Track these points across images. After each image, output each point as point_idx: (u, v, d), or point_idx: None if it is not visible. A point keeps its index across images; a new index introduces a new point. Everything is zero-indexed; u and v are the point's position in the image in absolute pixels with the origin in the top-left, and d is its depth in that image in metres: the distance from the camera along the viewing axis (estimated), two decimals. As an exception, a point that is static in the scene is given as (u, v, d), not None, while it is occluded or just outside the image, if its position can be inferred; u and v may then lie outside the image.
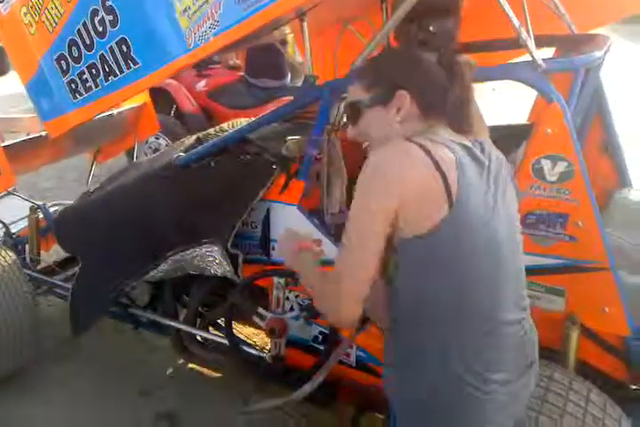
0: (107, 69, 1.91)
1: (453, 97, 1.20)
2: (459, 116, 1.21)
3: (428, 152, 1.09)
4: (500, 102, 6.73)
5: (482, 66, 1.81)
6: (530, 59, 1.58)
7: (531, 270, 1.69)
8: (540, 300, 1.73)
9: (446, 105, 1.21)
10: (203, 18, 1.59)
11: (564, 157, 1.57)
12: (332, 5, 1.91)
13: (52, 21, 1.99)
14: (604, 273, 1.62)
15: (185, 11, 1.62)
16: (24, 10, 2.03)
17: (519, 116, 2.57)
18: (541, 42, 1.61)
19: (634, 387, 1.74)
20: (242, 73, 4.94)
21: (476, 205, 1.11)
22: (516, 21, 1.52)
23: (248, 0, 1.48)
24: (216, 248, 2.07)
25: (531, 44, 1.54)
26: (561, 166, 1.59)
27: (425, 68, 1.22)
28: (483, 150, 1.21)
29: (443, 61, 1.23)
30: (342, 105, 2.03)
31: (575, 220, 1.62)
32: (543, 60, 1.56)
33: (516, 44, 1.59)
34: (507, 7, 1.51)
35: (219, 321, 2.48)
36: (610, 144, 2.16)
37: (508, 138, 2.05)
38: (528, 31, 1.54)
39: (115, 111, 3.23)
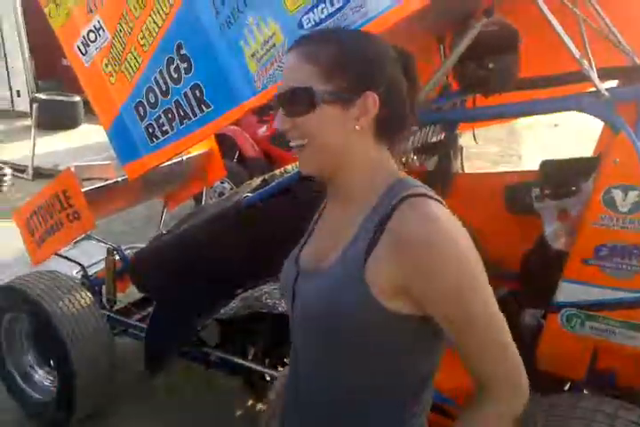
0: (181, 113, 2.04)
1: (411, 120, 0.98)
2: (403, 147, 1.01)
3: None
4: (562, 137, 6.65)
5: (546, 98, 1.84)
6: (594, 90, 1.58)
7: (605, 305, 1.64)
8: (617, 335, 1.65)
9: (404, 129, 0.99)
10: (270, 61, 1.69)
11: (635, 186, 1.53)
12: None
13: (130, 71, 2.15)
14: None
15: (253, 55, 1.73)
16: (105, 61, 2.21)
17: (581, 151, 2.53)
18: (603, 74, 1.60)
19: None
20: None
21: None
22: (576, 53, 1.53)
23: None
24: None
25: (593, 74, 1.54)
26: (632, 196, 1.55)
27: (396, 70, 0.94)
28: None
29: (406, 65, 0.97)
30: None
31: (652, 252, 1.56)
32: (607, 89, 1.55)
33: (579, 76, 1.59)
34: (567, 39, 1.53)
35: (287, 360, 2.47)
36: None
37: (577, 171, 2.03)
38: (590, 62, 1.54)
39: (184, 157, 3.38)
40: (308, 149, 0.95)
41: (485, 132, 2.52)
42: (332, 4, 1.49)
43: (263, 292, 2.11)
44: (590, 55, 1.56)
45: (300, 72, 0.92)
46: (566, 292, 1.71)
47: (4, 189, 6.13)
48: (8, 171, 6.27)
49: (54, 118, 8.44)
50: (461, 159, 2.60)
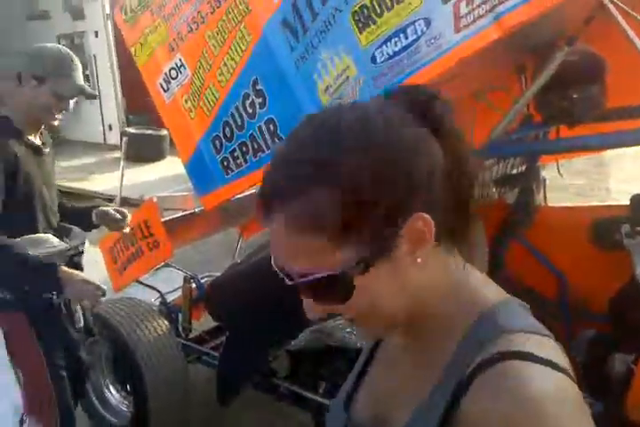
0: (255, 147, 2.07)
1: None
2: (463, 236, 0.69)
3: (568, 373, 0.61)
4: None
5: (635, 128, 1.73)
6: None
7: None
8: None
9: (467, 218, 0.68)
10: (344, 95, 1.69)
11: None
12: (468, 77, 1.94)
13: (208, 106, 2.23)
14: None
15: (326, 89, 1.74)
16: (185, 97, 2.30)
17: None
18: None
19: None
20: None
21: None
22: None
23: (386, 75, 1.56)
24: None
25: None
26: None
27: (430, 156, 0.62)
28: None
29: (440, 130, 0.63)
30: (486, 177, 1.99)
31: None
32: None
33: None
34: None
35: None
36: None
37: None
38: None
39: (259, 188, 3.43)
40: (360, 321, 0.68)
41: (570, 164, 2.40)
42: (407, 37, 1.48)
43: (336, 324, 2.08)
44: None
45: (304, 252, 0.62)
46: (662, 337, 1.57)
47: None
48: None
49: (142, 151, 8.90)
50: (544, 192, 2.48)
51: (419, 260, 0.62)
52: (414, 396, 0.66)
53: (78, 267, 1.95)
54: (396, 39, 1.50)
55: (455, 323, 0.66)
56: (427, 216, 0.60)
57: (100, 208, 2.10)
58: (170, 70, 2.39)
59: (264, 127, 2.00)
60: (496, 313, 0.65)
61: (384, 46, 1.54)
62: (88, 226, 2.12)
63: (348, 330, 2.10)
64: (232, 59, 2.03)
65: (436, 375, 0.64)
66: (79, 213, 2.13)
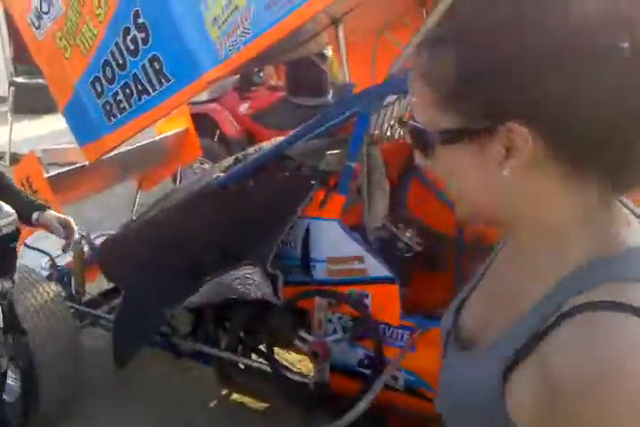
0: (140, 88, 1.89)
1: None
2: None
3: None
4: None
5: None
6: None
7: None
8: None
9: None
10: (232, 26, 1.55)
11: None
12: (369, 11, 1.85)
13: (85, 44, 2.00)
14: None
15: (215, 20, 1.58)
16: (59, 34, 2.05)
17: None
18: None
19: None
20: (284, 93, 4.95)
21: None
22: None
23: (278, 3, 1.43)
24: (255, 270, 1.99)
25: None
26: None
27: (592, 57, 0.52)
28: None
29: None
30: (381, 113, 1.93)
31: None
32: None
33: None
34: None
35: (261, 347, 2.39)
36: None
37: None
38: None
39: (157, 137, 3.24)
40: (452, 193, 0.66)
41: None
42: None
43: (234, 277, 2.00)
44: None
45: (418, 101, 0.62)
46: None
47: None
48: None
49: (33, 102, 8.18)
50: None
51: (505, 172, 0.57)
52: (507, 315, 0.63)
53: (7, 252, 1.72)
54: (286, -38, 1.37)
55: (566, 257, 0.60)
56: (523, 130, 0.54)
57: (43, 215, 1.87)
58: (40, 3, 2.11)
59: (148, 66, 1.82)
60: (617, 259, 0.58)
61: (273, -30, 1.41)
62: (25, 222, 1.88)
63: (247, 282, 2.04)
64: (109, -12, 1.81)
65: (530, 303, 0.60)
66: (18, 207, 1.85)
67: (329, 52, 3.79)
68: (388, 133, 2.19)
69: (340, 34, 1.74)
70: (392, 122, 2.12)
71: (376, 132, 2.02)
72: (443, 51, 0.56)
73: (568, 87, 0.53)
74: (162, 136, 3.34)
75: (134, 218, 2.78)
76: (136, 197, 3.52)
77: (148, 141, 3.16)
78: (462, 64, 0.55)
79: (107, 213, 4.60)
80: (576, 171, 0.58)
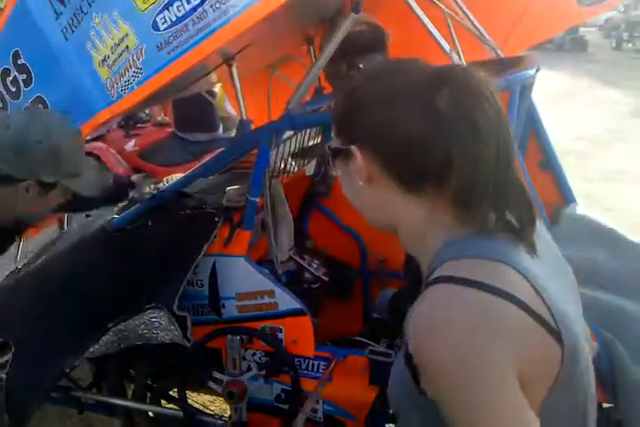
0: (24, 131, 1.78)
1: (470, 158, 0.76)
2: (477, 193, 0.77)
3: (506, 295, 0.70)
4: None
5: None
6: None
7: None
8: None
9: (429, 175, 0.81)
10: (124, 66, 1.52)
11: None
12: (260, 49, 1.89)
13: (-41, 85, 1.86)
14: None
15: (104, 60, 1.54)
16: None
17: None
18: (472, 68, 1.61)
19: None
20: (172, 129, 4.86)
21: (570, 320, 0.76)
22: (447, 47, 1.52)
23: (171, 44, 1.42)
24: (161, 313, 1.92)
25: (464, 68, 1.54)
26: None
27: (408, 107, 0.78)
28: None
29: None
30: (280, 148, 1.97)
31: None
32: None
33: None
34: (437, 34, 1.52)
35: (171, 393, 2.29)
36: (549, 161, 2.19)
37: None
38: (460, 56, 1.54)
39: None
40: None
41: None
42: (189, 1, 1.36)
43: (139, 323, 1.92)
44: (460, 50, 1.56)
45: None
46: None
47: None
48: None
49: None
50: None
51: (360, 183, 0.83)
52: None
53: None
54: (179, 3, 1.37)
55: (427, 248, 0.82)
56: (356, 151, 0.82)
57: None
58: None
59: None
60: (457, 243, 0.79)
61: (166, 11, 1.40)
62: None
63: (154, 326, 1.96)
64: (-17, 28, 1.71)
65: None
66: None
67: (217, 87, 3.80)
68: (288, 167, 2.23)
69: (234, 72, 1.76)
70: (290, 156, 2.16)
71: (276, 166, 2.05)
72: (340, 95, 0.87)
73: (385, 124, 0.79)
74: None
75: (19, 267, 2.59)
76: (19, 246, 3.27)
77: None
78: (341, 106, 0.86)
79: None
80: (410, 187, 0.81)
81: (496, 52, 1.94)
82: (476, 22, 1.90)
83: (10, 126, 1.38)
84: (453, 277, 0.72)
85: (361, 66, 1.87)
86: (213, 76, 2.33)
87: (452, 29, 1.61)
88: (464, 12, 1.88)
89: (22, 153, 1.38)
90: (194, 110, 4.40)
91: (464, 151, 0.75)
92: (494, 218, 0.78)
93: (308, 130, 2.35)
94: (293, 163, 2.36)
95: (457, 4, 1.87)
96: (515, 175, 0.78)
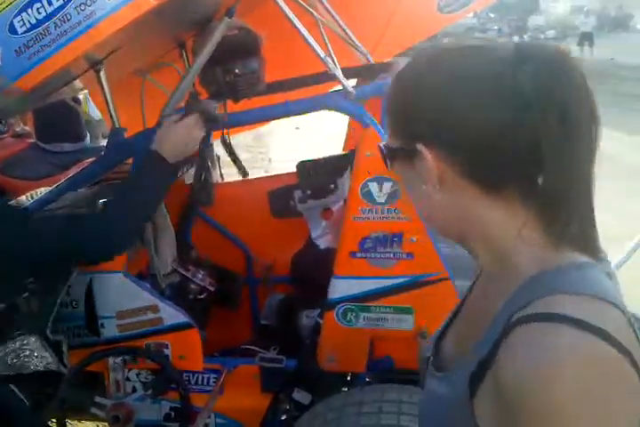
0: None
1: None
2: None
3: (622, 349, 0.58)
4: (304, 139, 7.07)
5: (296, 99, 1.86)
6: (340, 88, 1.62)
7: (375, 294, 1.71)
8: (390, 321, 1.73)
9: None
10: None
11: (389, 177, 1.61)
12: (130, 54, 1.81)
13: None
14: (444, 283, 1.67)
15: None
16: None
17: (326, 150, 2.63)
18: (345, 74, 1.66)
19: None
20: (32, 140, 4.49)
21: None
22: (321, 53, 1.55)
23: (31, 48, 1.32)
24: (32, 339, 1.77)
25: (339, 73, 1.59)
26: (387, 187, 1.63)
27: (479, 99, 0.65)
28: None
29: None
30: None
31: (409, 237, 1.66)
32: (353, 87, 1.61)
33: (325, 76, 1.61)
34: (311, 40, 1.54)
35: (50, 423, 2.11)
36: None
37: (332, 169, 2.09)
38: (334, 62, 1.58)
39: None
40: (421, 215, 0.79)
41: (233, 139, 2.55)
42: (51, 3, 1.27)
43: (8, 351, 1.75)
44: (333, 56, 1.60)
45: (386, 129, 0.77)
46: (338, 288, 1.74)
47: None
48: None
49: None
50: (219, 168, 2.52)
51: (428, 187, 0.69)
52: (477, 334, 0.68)
53: None
54: (39, 5, 1.28)
55: (514, 271, 0.67)
56: (424, 150, 0.67)
57: None
58: None
59: None
60: (557, 273, 0.64)
61: (24, 13, 1.29)
62: None
63: (25, 353, 1.80)
64: None
65: (493, 318, 0.66)
66: None
67: (83, 93, 3.59)
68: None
69: (103, 78, 1.68)
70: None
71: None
72: (391, 90, 0.73)
73: (456, 116, 0.66)
74: None
75: None
76: None
77: None
78: (395, 101, 0.72)
79: None
80: (489, 188, 0.67)
81: (367, 58, 2.02)
82: (346, 29, 1.96)
83: None
84: (572, 318, 0.59)
85: (237, 71, 1.85)
86: (79, 82, 2.20)
87: (325, 35, 1.65)
88: (335, 18, 1.93)
89: None
90: (57, 119, 4.10)
91: (554, 145, 0.63)
92: (577, 234, 0.67)
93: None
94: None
95: (328, 11, 1.92)
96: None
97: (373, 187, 1.64)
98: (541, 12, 17.31)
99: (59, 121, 4.13)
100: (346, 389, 1.88)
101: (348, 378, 1.93)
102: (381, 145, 0.75)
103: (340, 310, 1.74)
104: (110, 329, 1.82)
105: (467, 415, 0.65)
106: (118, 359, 1.82)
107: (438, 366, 0.78)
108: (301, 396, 1.81)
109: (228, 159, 2.33)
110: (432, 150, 0.67)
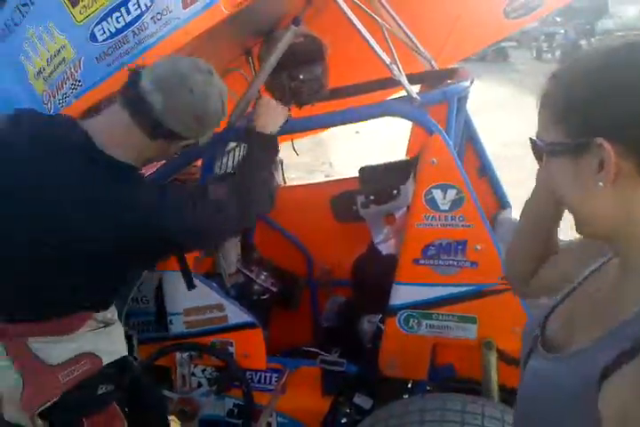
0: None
1: None
2: None
3: None
4: (364, 144, 7.06)
5: (361, 105, 1.87)
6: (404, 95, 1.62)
7: (438, 302, 1.70)
8: (453, 330, 1.71)
9: None
10: (61, 79, 1.48)
11: (453, 184, 1.60)
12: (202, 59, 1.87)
13: None
14: (510, 293, 1.64)
15: (39, 73, 1.49)
16: None
17: (385, 155, 2.63)
18: (409, 80, 1.66)
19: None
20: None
21: None
22: (387, 59, 1.56)
23: (111, 55, 1.39)
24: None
25: (404, 79, 1.58)
26: (451, 194, 1.62)
27: None
28: None
29: None
30: (227, 157, 1.96)
31: (473, 245, 1.64)
32: (418, 94, 1.60)
33: (389, 82, 1.62)
34: (376, 47, 1.55)
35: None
36: (484, 168, 2.28)
37: (395, 174, 2.09)
38: (399, 68, 1.58)
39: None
40: (567, 208, 0.77)
41: (294, 143, 2.62)
42: (129, 12, 1.34)
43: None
44: (398, 62, 1.60)
45: (538, 119, 0.75)
46: (401, 294, 1.74)
47: None
48: None
49: None
50: (282, 172, 2.56)
51: (600, 184, 0.66)
52: (607, 322, 0.67)
53: None
54: (117, 14, 1.35)
55: None
56: (606, 144, 0.64)
57: None
58: None
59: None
60: None
61: (104, 23, 1.37)
62: None
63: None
64: None
65: (634, 308, 0.65)
66: None
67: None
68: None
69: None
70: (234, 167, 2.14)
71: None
72: (556, 86, 0.72)
73: None
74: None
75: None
76: None
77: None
78: (567, 96, 0.70)
79: None
80: None
81: (431, 64, 2.00)
82: (410, 35, 1.95)
83: (193, 90, 1.31)
84: None
85: (301, 76, 1.89)
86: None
87: (390, 42, 1.65)
88: (399, 24, 1.93)
89: (201, 121, 1.37)
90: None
91: None
92: None
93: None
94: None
95: (392, 17, 1.92)
96: None
97: (437, 194, 1.63)
98: (611, 15, 16.57)
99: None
100: (406, 396, 1.87)
101: (409, 385, 1.92)
102: (536, 139, 0.74)
103: (402, 317, 1.74)
104: (178, 325, 1.89)
105: (587, 395, 0.65)
106: (185, 355, 1.87)
107: (547, 345, 0.78)
108: (362, 400, 1.82)
109: (289, 162, 2.36)
110: (612, 145, 0.65)
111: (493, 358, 1.66)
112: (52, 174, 1.29)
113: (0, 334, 1.37)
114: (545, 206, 0.92)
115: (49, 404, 1.36)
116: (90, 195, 1.29)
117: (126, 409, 1.54)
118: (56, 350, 1.38)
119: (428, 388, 1.85)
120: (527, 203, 0.97)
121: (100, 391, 1.43)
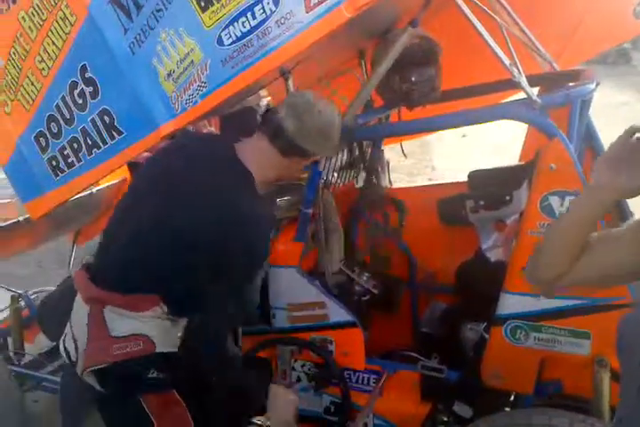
0: (89, 142, 1.85)
1: None
2: None
3: None
4: (471, 147, 6.87)
5: (477, 108, 1.83)
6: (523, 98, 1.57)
7: (548, 314, 1.63)
8: (564, 344, 1.63)
9: None
10: (188, 81, 1.56)
11: (572, 191, 1.53)
12: (315, 63, 1.91)
13: (28, 98, 1.95)
14: (626, 310, 1.54)
15: (169, 75, 1.59)
16: (-2, 89, 1.99)
17: (491, 160, 2.55)
18: (529, 82, 1.60)
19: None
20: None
21: None
22: (506, 60, 1.51)
23: (235, 58, 1.46)
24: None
25: (524, 81, 1.53)
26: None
27: None
28: None
29: None
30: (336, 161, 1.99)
31: (590, 256, 1.55)
32: (538, 96, 1.55)
33: (506, 84, 1.57)
34: (496, 48, 1.51)
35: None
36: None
37: (506, 180, 2.03)
38: (519, 70, 1.53)
39: (94, 189, 3.14)
40: None
41: (397, 145, 2.61)
42: (255, 17, 1.39)
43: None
44: (518, 63, 1.55)
45: None
46: (508, 304, 1.68)
47: None
48: None
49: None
50: (389, 173, 2.57)
51: None
52: None
53: None
54: (243, 19, 1.41)
55: None
56: None
57: None
58: (-26, 58, 2.04)
59: (98, 120, 1.79)
60: None
61: (230, 27, 1.44)
62: None
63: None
64: (53, 43, 1.78)
65: None
66: None
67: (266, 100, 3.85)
68: (338, 179, 2.25)
69: (291, 85, 1.79)
70: (341, 168, 2.18)
71: (327, 178, 2.07)
72: None
73: None
74: (98, 188, 3.24)
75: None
76: (72, 253, 3.36)
77: (83, 194, 3.06)
78: None
79: (37, 269, 4.38)
80: None
81: (552, 66, 1.92)
82: (530, 35, 1.88)
83: (321, 111, 1.53)
84: None
85: (413, 78, 1.88)
86: (264, 92, 2.37)
87: (510, 43, 1.60)
88: (519, 24, 1.87)
89: (328, 138, 1.57)
90: (241, 122, 4.44)
91: None
92: None
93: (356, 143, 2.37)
94: (344, 175, 2.38)
95: (511, 16, 1.86)
96: None
97: (554, 201, 1.56)
98: None
99: (243, 124, 4.48)
100: (508, 408, 1.81)
101: (511, 398, 1.85)
102: None
103: (509, 327, 1.69)
104: (280, 320, 1.94)
105: None
106: (287, 349, 1.92)
107: None
108: (462, 409, 1.78)
109: (395, 164, 2.36)
110: None
111: (606, 377, 1.58)
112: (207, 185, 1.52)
113: (92, 298, 1.55)
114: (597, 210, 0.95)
115: (96, 368, 1.49)
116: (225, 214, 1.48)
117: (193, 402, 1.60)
118: (121, 324, 1.50)
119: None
120: (573, 206, 0.99)
121: (151, 375, 1.51)
